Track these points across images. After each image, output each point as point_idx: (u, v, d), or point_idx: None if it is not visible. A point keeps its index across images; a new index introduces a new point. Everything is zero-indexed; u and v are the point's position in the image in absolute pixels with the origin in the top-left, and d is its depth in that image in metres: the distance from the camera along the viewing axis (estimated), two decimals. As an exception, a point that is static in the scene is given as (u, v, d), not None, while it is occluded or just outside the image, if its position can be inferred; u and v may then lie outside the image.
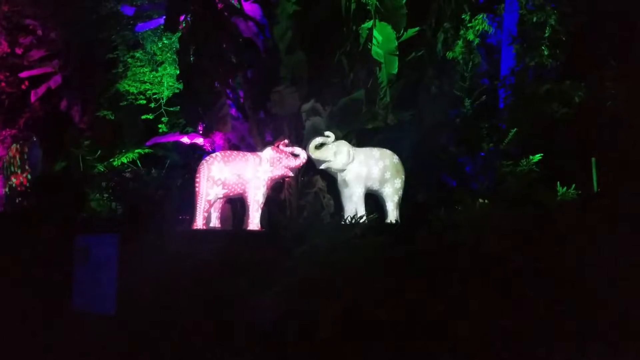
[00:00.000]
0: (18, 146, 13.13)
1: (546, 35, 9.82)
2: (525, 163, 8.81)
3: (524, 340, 5.02)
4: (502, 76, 10.71)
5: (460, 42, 10.25)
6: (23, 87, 14.34)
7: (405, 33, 9.76)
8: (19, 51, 14.17)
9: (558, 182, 8.04)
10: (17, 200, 11.95)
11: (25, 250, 7.11)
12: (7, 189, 12.89)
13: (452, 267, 5.63)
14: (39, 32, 14.56)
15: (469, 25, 10.17)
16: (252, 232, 8.30)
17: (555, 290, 5.25)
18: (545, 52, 9.82)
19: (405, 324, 5.28)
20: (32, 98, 14.09)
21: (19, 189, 12.34)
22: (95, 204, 11.14)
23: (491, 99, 10.57)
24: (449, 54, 10.33)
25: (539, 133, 9.25)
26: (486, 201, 8.15)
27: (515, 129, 9.26)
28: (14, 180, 12.81)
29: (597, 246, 5.31)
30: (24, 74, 14.11)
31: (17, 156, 12.96)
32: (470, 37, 10.18)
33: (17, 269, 6.75)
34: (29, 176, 12.92)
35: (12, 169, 12.90)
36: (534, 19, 9.91)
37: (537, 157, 8.81)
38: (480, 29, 10.19)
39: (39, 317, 6.13)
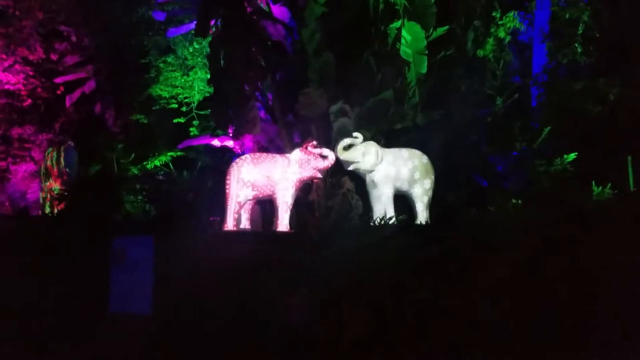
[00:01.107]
0: (54, 150, 13.47)
1: (579, 31, 9.63)
2: (559, 162, 8.63)
3: (558, 343, 4.91)
4: (534, 74, 10.53)
5: (490, 40, 10.13)
6: (58, 92, 14.72)
7: (434, 32, 9.69)
8: (54, 57, 14.55)
9: (593, 182, 7.85)
10: (53, 203, 12.26)
11: (62, 252, 7.28)
12: (44, 193, 13.24)
13: (484, 269, 5.55)
14: (73, 38, 14.93)
15: (500, 22, 10.05)
16: (282, 233, 8.34)
17: (591, 292, 5.12)
18: (579, 49, 9.63)
19: (435, 326, 5.23)
20: (67, 103, 14.45)
21: (55, 192, 12.66)
22: (129, 206, 11.36)
23: (523, 97, 10.41)
24: (480, 52, 10.22)
25: (573, 131, 9.05)
26: (519, 201, 8.02)
27: (549, 128, 9.09)
28: (50, 183, 13.14)
29: (634, 247, 5.16)
30: (58, 80, 14.49)
31: (54, 160, 13.29)
32: (501, 34, 10.05)
33: (54, 270, 6.93)
34: (67, 178, 13.24)
35: (49, 172, 13.24)
36: (567, 16, 9.73)
37: (572, 156, 8.62)
38: (512, 27, 10.06)
39: (76, 318, 6.27)
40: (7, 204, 13.64)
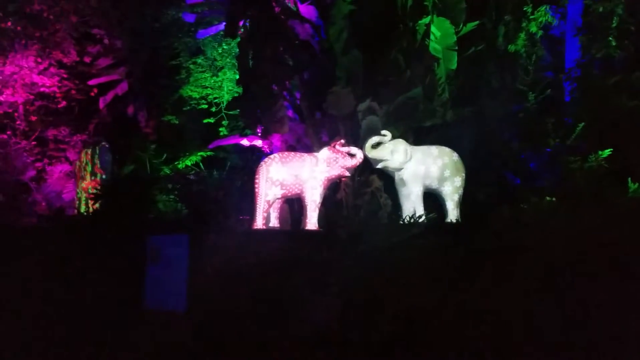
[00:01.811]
0: (89, 151, 13.79)
1: (613, 25, 9.35)
2: (593, 159, 8.42)
3: (591, 346, 4.79)
4: (567, 69, 10.30)
5: (522, 35, 9.93)
6: (92, 94, 15.06)
7: (464, 27, 9.53)
8: (87, 60, 14.89)
9: (629, 178, 7.64)
10: (88, 203, 12.55)
11: (97, 250, 7.45)
12: (79, 192, 13.57)
13: (517, 269, 5.45)
14: (106, 41, 15.25)
15: (532, 17, 9.83)
16: (310, 231, 8.37)
17: (628, 293, 4.98)
18: (613, 43, 9.37)
19: (466, 326, 5.16)
20: (101, 104, 14.77)
21: (90, 192, 12.96)
22: (161, 205, 11.56)
23: (556, 93, 10.18)
24: (511, 47, 10.03)
25: (607, 127, 8.81)
26: (553, 199, 7.86)
27: (583, 123, 8.88)
28: (85, 183, 13.45)
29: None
30: (92, 82, 14.81)
31: (89, 160, 13.60)
32: (533, 29, 9.84)
33: (89, 269, 7.08)
34: (101, 179, 13.54)
35: (84, 173, 13.55)
36: (600, 9, 9.47)
37: (607, 152, 8.40)
38: (543, 21, 9.83)
39: (112, 315, 6.40)
40: (43, 203, 14.01)
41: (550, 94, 9.83)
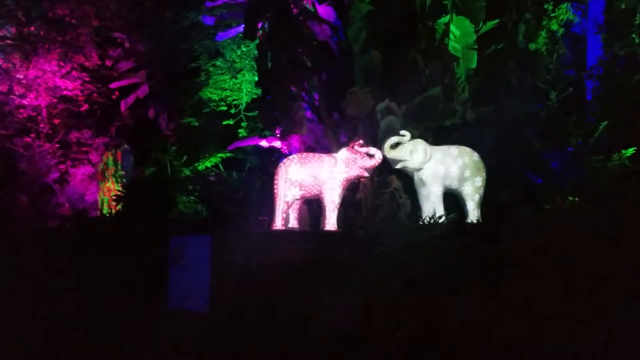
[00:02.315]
0: (111, 153, 13.98)
1: (636, 22, 9.18)
2: (616, 157, 8.26)
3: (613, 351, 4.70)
4: (589, 67, 10.15)
5: (543, 33, 9.82)
6: (113, 97, 15.25)
7: (484, 26, 9.45)
8: (108, 63, 15.09)
9: (654, 178, 7.49)
10: (111, 205, 12.72)
11: (119, 251, 7.56)
12: (101, 194, 13.77)
13: (539, 271, 5.37)
14: (127, 45, 15.44)
15: (552, 15, 9.71)
16: (329, 232, 8.37)
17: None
18: (636, 40, 9.18)
19: (488, 327, 5.11)
20: (122, 107, 14.96)
21: (112, 193, 13.14)
22: (182, 206, 11.67)
23: (578, 91, 10.03)
24: (532, 46, 9.92)
25: (631, 125, 8.65)
26: (576, 199, 7.73)
27: (606, 122, 8.74)
28: (107, 185, 13.64)
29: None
30: (113, 85, 15.00)
31: (111, 163, 13.79)
32: (554, 27, 9.72)
33: (112, 269, 7.19)
34: (123, 181, 13.72)
35: (106, 175, 13.74)
36: (622, 6, 9.30)
37: (630, 151, 8.23)
38: (565, 19, 9.69)
39: (135, 315, 6.48)
40: (66, 205, 14.23)
41: (572, 92, 9.68)
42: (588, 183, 8.43)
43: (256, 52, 10.95)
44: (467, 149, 8.77)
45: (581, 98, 10.11)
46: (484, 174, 8.70)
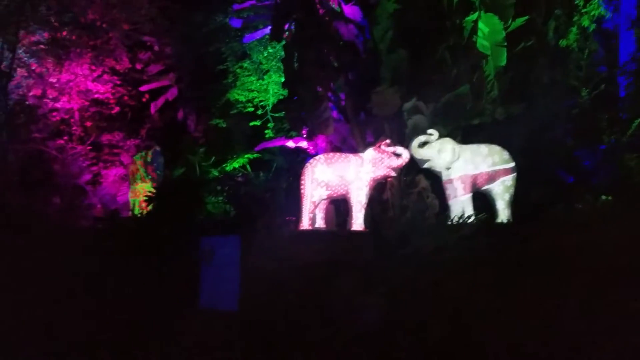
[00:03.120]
0: (142, 155, 14.21)
1: (671, 16, 8.94)
2: (651, 155, 8.07)
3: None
4: (622, 63, 9.92)
5: (574, 29, 9.63)
6: (143, 100, 15.53)
7: (513, 23, 9.30)
8: (138, 67, 15.37)
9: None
10: (142, 205, 12.93)
11: (151, 251, 7.66)
12: (132, 195, 13.99)
13: (573, 271, 5.26)
14: (156, 48, 15.71)
15: (583, 10, 9.50)
16: (356, 232, 8.34)
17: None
18: (671, 35, 8.95)
19: (519, 329, 5.02)
20: (152, 110, 15.21)
21: (143, 195, 13.35)
22: (210, 206, 11.81)
23: (610, 88, 9.80)
24: (562, 42, 9.73)
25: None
26: (609, 197, 7.56)
27: (639, 119, 8.50)
28: (138, 186, 13.86)
29: None
30: (143, 88, 15.28)
31: (141, 164, 14.01)
32: (585, 23, 9.52)
33: (143, 268, 7.30)
34: (154, 181, 13.93)
35: (137, 176, 13.97)
36: (656, 0, 9.07)
37: (665, 148, 8.04)
38: (596, 14, 9.48)
39: (167, 314, 6.56)
40: (99, 206, 14.51)
41: (604, 89, 9.49)
42: (621, 181, 8.23)
43: (282, 53, 11.01)
44: (497, 148, 8.64)
45: (614, 95, 9.89)
46: (514, 173, 8.55)
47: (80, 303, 6.74)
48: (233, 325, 6.18)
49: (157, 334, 6.16)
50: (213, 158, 14.73)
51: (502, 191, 8.50)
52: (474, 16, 9.15)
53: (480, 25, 9.13)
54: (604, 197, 7.60)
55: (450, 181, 8.52)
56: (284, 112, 12.76)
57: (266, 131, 14.82)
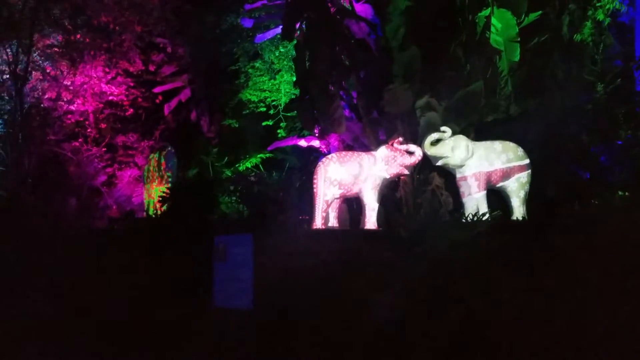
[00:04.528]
0: (156, 156, 14.32)
1: (688, 9, 8.79)
2: (669, 150, 7.94)
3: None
4: (638, 57, 9.76)
5: (588, 23, 9.48)
6: (157, 101, 15.64)
7: (526, 18, 9.20)
8: (152, 68, 15.48)
9: None
10: (156, 206, 13.03)
11: (166, 250, 7.71)
12: (147, 196, 14.10)
13: (590, 269, 5.18)
14: (169, 50, 15.81)
15: (598, 4, 9.37)
16: (370, 231, 8.31)
17: None
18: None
19: (535, 328, 4.96)
20: (166, 111, 15.32)
21: (158, 194, 13.45)
22: (224, 206, 11.84)
23: (626, 82, 9.66)
24: (577, 37, 9.60)
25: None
26: (626, 193, 7.45)
27: (657, 114, 8.39)
28: (153, 187, 13.97)
29: None
30: (157, 89, 15.38)
31: (156, 165, 14.12)
32: (600, 17, 9.38)
33: (160, 268, 7.36)
34: (168, 182, 14.03)
35: (151, 177, 14.08)
36: (673, -8, 8.92)
37: (684, 143, 7.90)
38: (611, 8, 9.34)
39: (181, 311, 6.61)
40: (114, 207, 14.65)
41: (620, 83, 9.35)
42: (638, 177, 8.11)
43: (294, 52, 11.00)
44: (511, 144, 8.56)
45: (630, 89, 9.74)
46: (529, 170, 8.47)
47: (93, 301, 6.81)
48: (248, 322, 6.20)
49: (172, 333, 6.21)
50: (226, 158, 14.79)
51: (517, 188, 8.42)
52: (486, 12, 9.06)
53: (493, 20, 9.04)
54: (620, 193, 7.48)
55: (464, 178, 8.46)
56: (296, 112, 12.77)
57: (278, 131, 14.84)
